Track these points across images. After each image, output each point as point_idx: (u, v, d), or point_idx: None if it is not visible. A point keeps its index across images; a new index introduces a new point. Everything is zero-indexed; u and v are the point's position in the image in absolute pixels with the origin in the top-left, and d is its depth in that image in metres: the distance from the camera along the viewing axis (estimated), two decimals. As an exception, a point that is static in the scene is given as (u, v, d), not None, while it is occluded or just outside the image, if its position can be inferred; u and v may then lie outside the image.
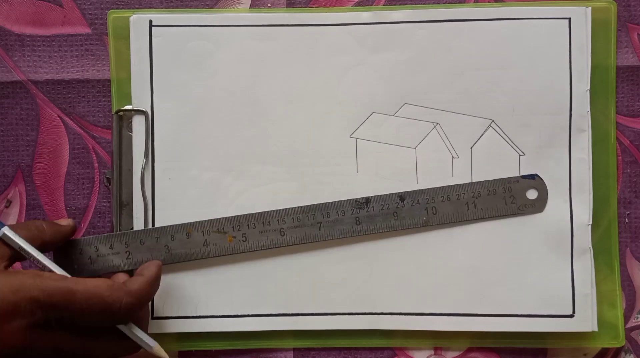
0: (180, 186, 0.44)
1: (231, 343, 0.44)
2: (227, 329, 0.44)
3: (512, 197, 0.44)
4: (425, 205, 0.43)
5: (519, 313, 0.44)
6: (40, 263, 0.38)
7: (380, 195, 0.43)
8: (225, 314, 0.44)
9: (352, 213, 0.43)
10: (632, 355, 0.45)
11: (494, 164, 0.44)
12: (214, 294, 0.44)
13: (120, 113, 0.44)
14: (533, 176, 0.44)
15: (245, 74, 0.44)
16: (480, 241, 0.44)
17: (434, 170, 0.44)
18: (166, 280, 0.43)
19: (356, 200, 0.43)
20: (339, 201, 0.43)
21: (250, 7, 0.45)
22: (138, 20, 0.44)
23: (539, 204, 0.44)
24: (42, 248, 0.39)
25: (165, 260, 0.42)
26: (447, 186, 0.44)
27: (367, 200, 0.43)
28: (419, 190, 0.44)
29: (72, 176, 0.46)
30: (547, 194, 0.44)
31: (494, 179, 0.44)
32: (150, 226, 0.44)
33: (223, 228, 0.43)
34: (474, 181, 0.44)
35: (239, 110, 0.44)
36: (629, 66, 0.45)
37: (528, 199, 0.44)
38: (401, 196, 0.43)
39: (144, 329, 0.39)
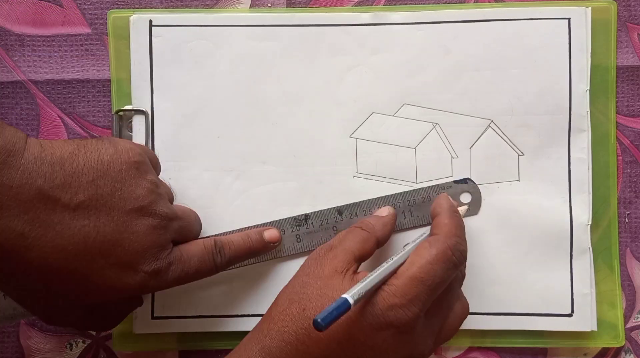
0: (180, 186, 0.44)
1: (231, 343, 0.44)
2: (227, 329, 0.44)
3: None
4: (363, 217, 0.43)
5: (518, 311, 0.44)
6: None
7: (319, 211, 0.43)
8: (225, 314, 0.44)
9: (292, 231, 0.43)
10: (632, 355, 0.45)
11: (493, 164, 0.44)
12: (214, 294, 0.44)
13: (120, 113, 0.44)
14: (465, 181, 0.44)
15: (245, 74, 0.44)
16: (480, 240, 0.44)
17: (433, 170, 0.44)
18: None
19: (295, 218, 0.43)
20: (278, 220, 0.43)
21: (250, 7, 0.45)
22: (138, 20, 0.44)
23: (473, 208, 0.44)
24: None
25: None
26: (384, 197, 0.44)
27: (306, 217, 0.43)
28: (356, 203, 0.43)
29: (72, 176, 0.45)
30: (481, 196, 0.44)
31: (429, 187, 0.44)
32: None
33: None
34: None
35: (238, 110, 0.44)
36: (629, 66, 0.45)
37: (462, 203, 0.44)
38: (339, 210, 0.43)
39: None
